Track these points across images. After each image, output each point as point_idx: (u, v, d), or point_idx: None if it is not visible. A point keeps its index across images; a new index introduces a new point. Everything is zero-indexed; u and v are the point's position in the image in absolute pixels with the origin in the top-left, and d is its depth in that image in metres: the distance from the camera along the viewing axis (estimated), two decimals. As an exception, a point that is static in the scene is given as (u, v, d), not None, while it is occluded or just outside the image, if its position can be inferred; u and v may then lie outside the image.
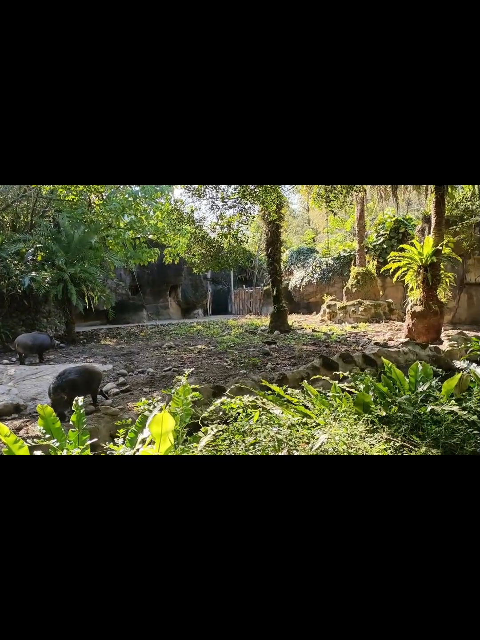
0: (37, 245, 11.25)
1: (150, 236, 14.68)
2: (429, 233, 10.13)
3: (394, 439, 2.45)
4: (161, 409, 2.57)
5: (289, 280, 20.71)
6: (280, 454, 2.28)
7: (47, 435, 2.17)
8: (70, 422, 2.44)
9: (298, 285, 20.38)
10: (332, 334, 10.73)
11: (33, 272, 10.49)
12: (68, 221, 11.90)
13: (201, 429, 2.80)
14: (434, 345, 7.00)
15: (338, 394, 3.45)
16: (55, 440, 2.15)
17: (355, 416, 2.81)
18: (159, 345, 10.11)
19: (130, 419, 3.08)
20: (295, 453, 2.25)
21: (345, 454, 2.18)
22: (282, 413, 3.11)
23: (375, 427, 2.64)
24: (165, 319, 19.62)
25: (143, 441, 2.24)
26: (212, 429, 2.64)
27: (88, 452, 2.21)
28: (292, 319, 15.12)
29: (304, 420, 2.86)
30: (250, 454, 2.31)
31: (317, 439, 2.36)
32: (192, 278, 21.70)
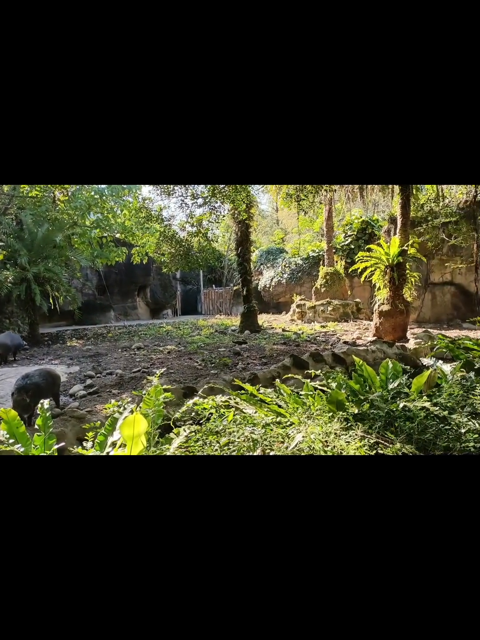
0: (-1, 244, 10.83)
1: (118, 235, 14.38)
2: (395, 234, 10.38)
3: (368, 436, 2.46)
4: (131, 411, 2.48)
5: (258, 280, 20.77)
6: (255, 453, 2.25)
7: (11, 440, 2.05)
8: (36, 426, 2.33)
9: (267, 285, 20.48)
10: (302, 333, 10.82)
11: (-6, 271, 10.09)
12: (31, 219, 11.50)
13: (173, 431, 2.73)
14: (401, 344, 7.17)
15: (311, 393, 3.45)
16: (20, 445, 2.03)
17: (330, 414, 2.81)
18: (128, 346, 9.91)
19: (98, 422, 2.97)
20: (271, 453, 2.22)
21: (322, 452, 2.17)
22: (256, 412, 3.08)
23: (349, 424, 2.64)
24: (134, 320, 19.29)
25: (113, 444, 2.16)
26: (184, 430, 2.58)
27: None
28: (262, 319, 15.17)
29: (278, 419, 2.84)
30: (226, 454, 2.27)
31: (293, 438, 2.34)
32: (161, 278, 21.43)
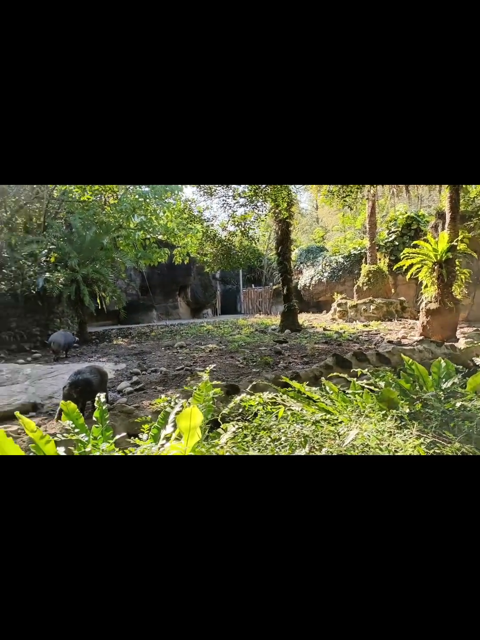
0: (50, 247, 11.34)
1: (160, 236, 14.74)
2: (442, 229, 10.00)
3: (425, 435, 2.40)
4: (182, 406, 2.54)
5: (298, 279, 20.62)
6: (305, 449, 2.25)
7: (76, 430, 2.16)
8: (94, 419, 2.43)
9: (308, 284, 20.30)
10: (344, 332, 10.65)
11: (47, 273, 10.58)
12: (80, 222, 11.98)
13: (221, 426, 2.77)
14: (450, 343, 6.90)
15: (358, 391, 3.40)
16: (83, 434, 2.13)
17: (382, 413, 2.76)
18: (170, 344, 10.11)
19: (149, 416, 3.06)
20: (324, 450, 2.21)
21: (377, 449, 2.14)
22: (302, 409, 3.07)
23: (403, 423, 2.59)
24: (175, 319, 19.66)
25: (167, 437, 2.22)
26: (232, 426, 2.61)
27: (113, 447, 2.19)
28: (302, 318, 15.04)
29: (326, 417, 2.82)
30: (278, 450, 2.28)
31: (346, 435, 2.32)
32: (201, 278, 21.73)
